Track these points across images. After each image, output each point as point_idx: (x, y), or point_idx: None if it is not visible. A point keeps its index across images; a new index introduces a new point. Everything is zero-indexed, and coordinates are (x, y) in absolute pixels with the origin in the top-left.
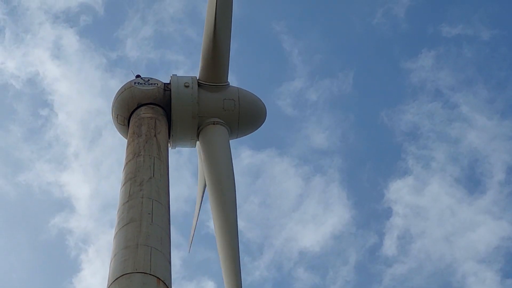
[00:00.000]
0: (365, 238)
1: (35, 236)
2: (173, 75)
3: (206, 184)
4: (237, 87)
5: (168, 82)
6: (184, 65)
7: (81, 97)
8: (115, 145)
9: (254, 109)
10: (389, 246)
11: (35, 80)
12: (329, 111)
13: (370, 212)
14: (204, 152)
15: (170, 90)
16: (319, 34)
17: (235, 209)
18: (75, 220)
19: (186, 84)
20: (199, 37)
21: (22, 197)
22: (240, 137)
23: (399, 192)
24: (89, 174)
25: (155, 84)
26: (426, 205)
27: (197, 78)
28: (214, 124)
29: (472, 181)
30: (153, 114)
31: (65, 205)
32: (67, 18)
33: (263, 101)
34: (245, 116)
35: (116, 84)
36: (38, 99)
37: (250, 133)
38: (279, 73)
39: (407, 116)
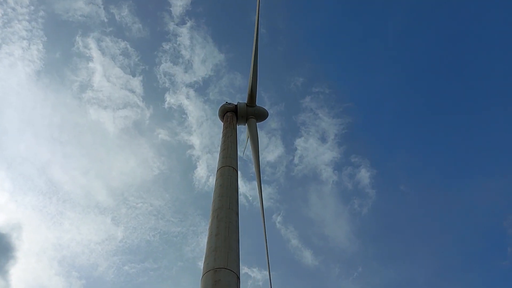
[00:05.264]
0: None
1: None
2: (238, 102)
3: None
4: (258, 106)
5: (236, 103)
6: None
7: None
8: None
9: (263, 112)
10: None
11: None
12: None
13: None
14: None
15: (237, 106)
16: None
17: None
18: None
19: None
20: None
21: None
22: (259, 122)
23: None
24: None
25: (232, 104)
26: None
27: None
28: (250, 118)
29: None
30: (230, 115)
31: None
32: None
33: (261, 107)
34: (260, 115)
35: None
36: None
37: (262, 121)
38: None
39: None
